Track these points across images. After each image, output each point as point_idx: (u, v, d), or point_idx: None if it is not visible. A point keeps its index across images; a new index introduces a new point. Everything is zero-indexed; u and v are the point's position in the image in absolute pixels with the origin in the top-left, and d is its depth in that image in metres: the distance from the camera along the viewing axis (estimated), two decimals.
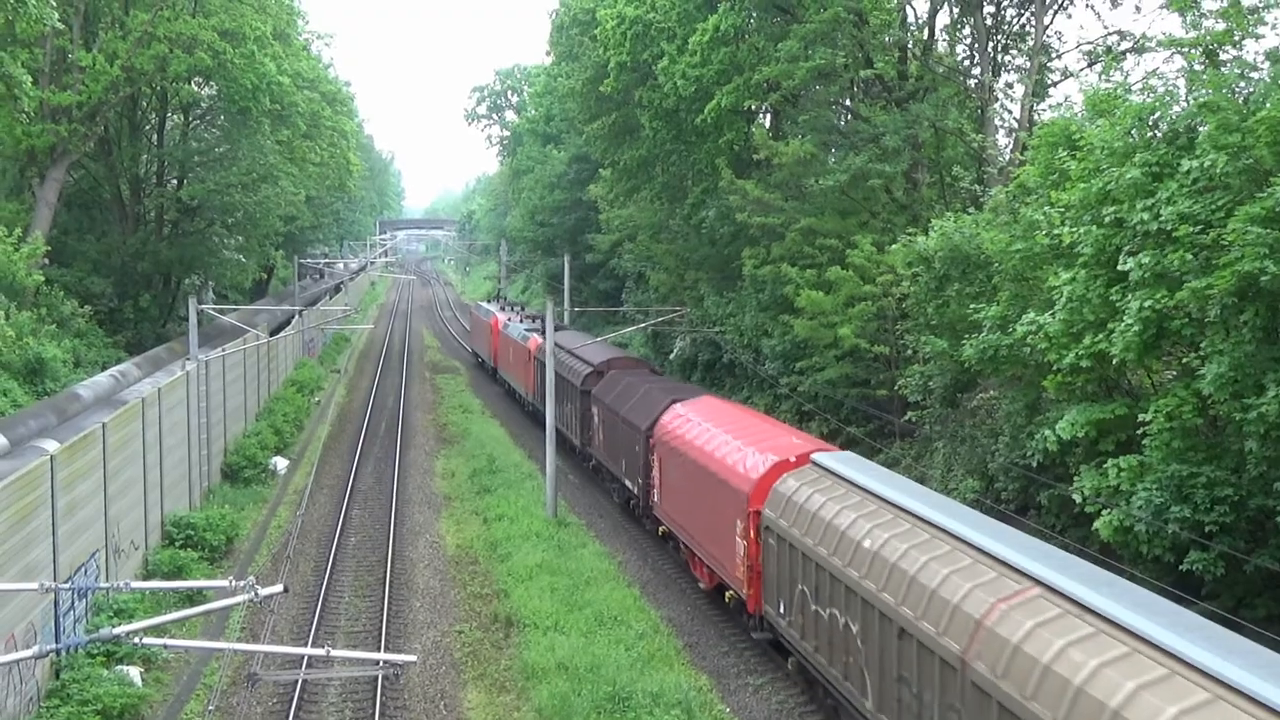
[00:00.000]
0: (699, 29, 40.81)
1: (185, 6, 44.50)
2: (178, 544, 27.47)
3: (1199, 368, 17.09)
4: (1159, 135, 18.86)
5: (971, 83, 36.09)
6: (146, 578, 24.94)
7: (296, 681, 20.12)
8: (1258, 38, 19.38)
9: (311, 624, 23.89)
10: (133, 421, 25.26)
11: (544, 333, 33.96)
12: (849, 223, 35.09)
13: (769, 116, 47.63)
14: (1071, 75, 36.26)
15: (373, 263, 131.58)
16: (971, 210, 28.03)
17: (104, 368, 37.63)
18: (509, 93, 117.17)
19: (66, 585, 16.69)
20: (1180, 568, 17.33)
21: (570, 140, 76.71)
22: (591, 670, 20.29)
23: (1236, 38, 19.37)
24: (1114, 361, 18.43)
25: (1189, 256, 16.66)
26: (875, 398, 32.88)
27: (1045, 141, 22.14)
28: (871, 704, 16.52)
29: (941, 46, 39.31)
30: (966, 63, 38.33)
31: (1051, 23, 34.64)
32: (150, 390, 28.42)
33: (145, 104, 50.62)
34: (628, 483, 31.64)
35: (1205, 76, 18.54)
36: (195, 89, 49.64)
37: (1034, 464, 21.49)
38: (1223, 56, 19.60)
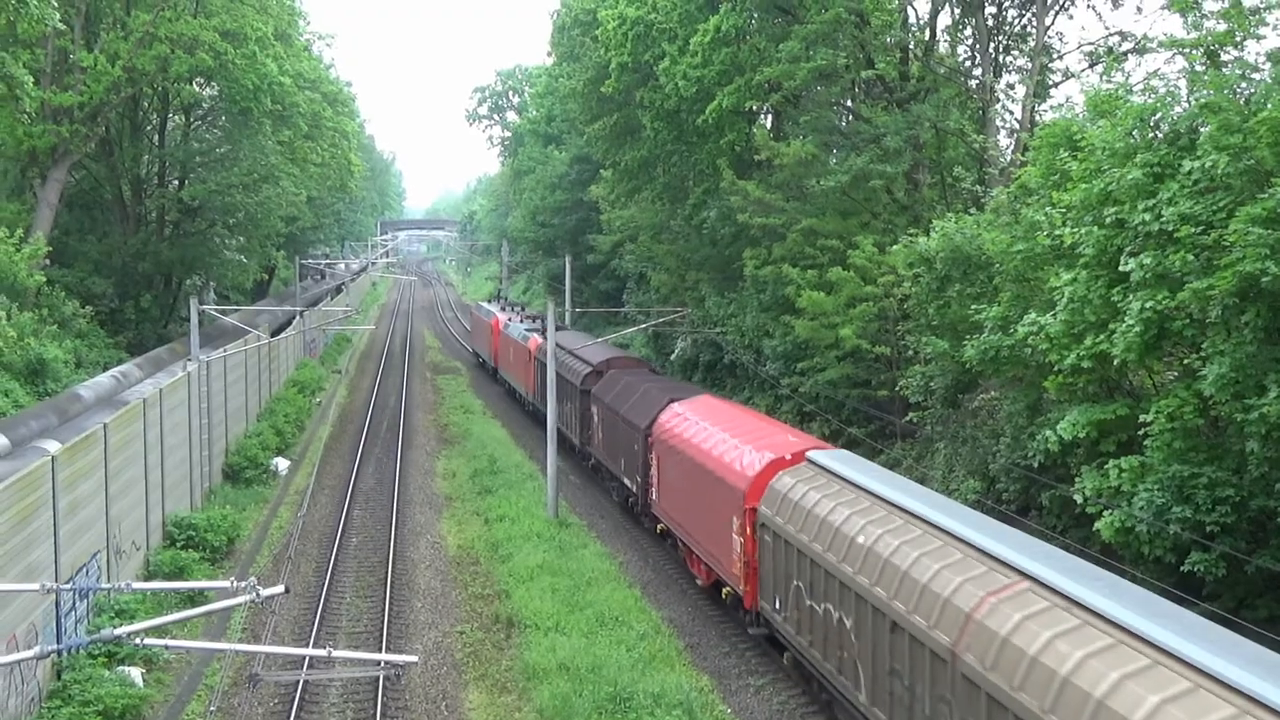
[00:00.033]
0: (700, 29, 40.80)
1: (187, 7, 44.55)
2: (179, 545, 27.49)
3: (1200, 368, 17.09)
4: (1160, 136, 18.85)
5: (973, 83, 36.07)
6: (148, 578, 24.95)
7: (298, 682, 20.13)
8: (1259, 38, 19.39)
9: (313, 625, 23.90)
10: (134, 422, 25.28)
11: (544, 333, 33.98)
12: (850, 223, 35.10)
13: (770, 117, 47.63)
14: (1073, 76, 36.30)
15: (374, 263, 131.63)
16: (973, 211, 28.03)
17: (105, 368, 37.68)
18: (510, 93, 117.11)
19: (68, 586, 16.74)
20: (1181, 569, 17.32)
21: (571, 141, 76.71)
22: (593, 671, 20.30)
23: (1238, 38, 19.36)
24: (1115, 362, 18.43)
25: (1190, 257, 16.67)
26: (876, 398, 32.89)
27: (1046, 142, 22.14)
28: (865, 697, 16.73)
29: (943, 47, 39.29)
30: (968, 63, 38.31)
31: (1053, 23, 34.67)
32: (151, 391, 28.43)
33: (147, 104, 50.67)
34: (626, 481, 31.74)
35: (1206, 77, 18.53)
36: (196, 89, 49.70)
37: (1035, 465, 21.49)
38: (1224, 57, 19.59)
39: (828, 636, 18.06)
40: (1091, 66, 34.08)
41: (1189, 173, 17.02)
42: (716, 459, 23.65)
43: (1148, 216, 17.46)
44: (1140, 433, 18.18)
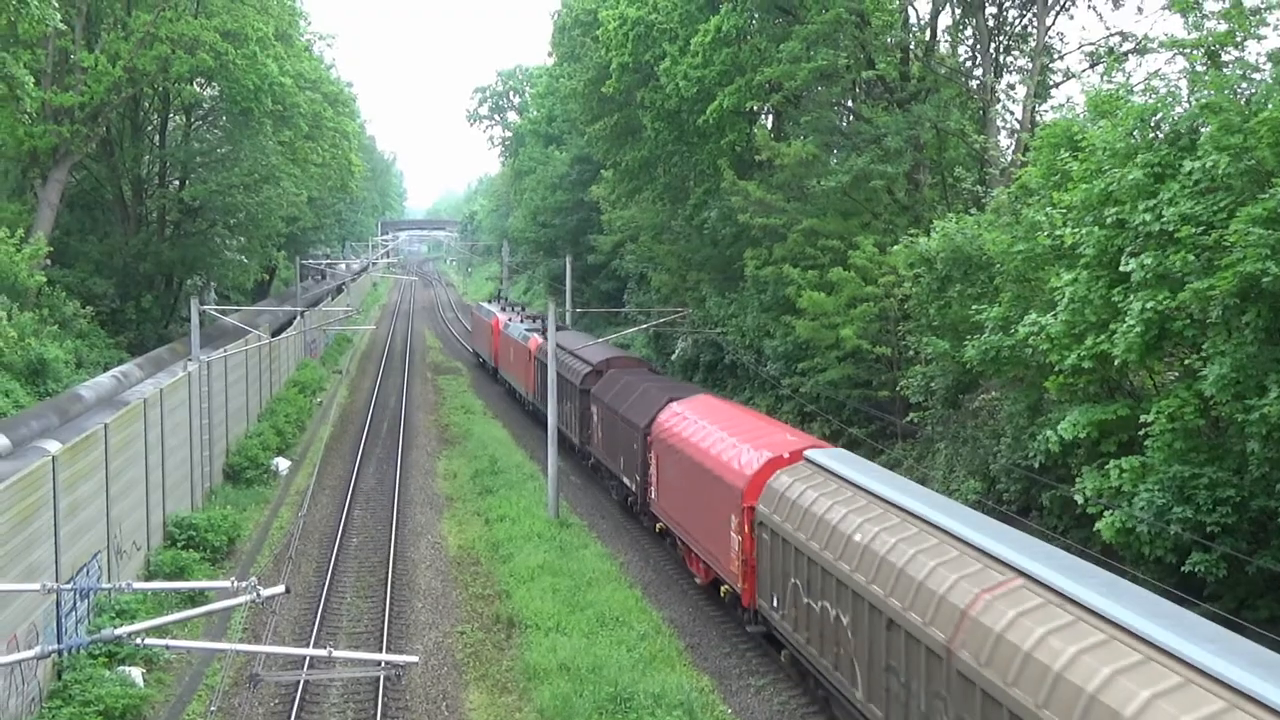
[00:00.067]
0: (701, 30, 40.80)
1: (187, 7, 44.54)
2: (180, 545, 27.49)
3: (1201, 369, 17.08)
4: (1161, 136, 18.85)
5: (973, 84, 36.06)
6: (148, 578, 24.95)
7: (298, 682, 20.13)
8: (1259, 39, 19.38)
9: (313, 625, 23.90)
10: (135, 422, 25.28)
11: (544, 333, 34.00)
12: (851, 224, 35.11)
13: (771, 117, 47.62)
14: (1073, 76, 36.29)
15: (374, 264, 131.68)
16: (973, 211, 28.03)
17: (106, 368, 37.69)
18: (511, 93, 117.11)
19: (69, 586, 16.74)
20: (1182, 569, 17.32)
21: (572, 141, 76.72)
22: (593, 671, 20.31)
23: (1238, 39, 19.35)
24: (1116, 362, 18.44)
25: (1191, 258, 16.67)
26: (877, 399, 32.89)
27: (1047, 142, 22.14)
28: (861, 694, 16.84)
29: (943, 47, 39.28)
30: (968, 64, 38.29)
31: (1053, 24, 34.64)
32: (152, 391, 28.43)
33: (147, 105, 50.70)
34: (626, 480, 31.81)
35: (1207, 78, 18.52)
36: (197, 90, 49.71)
37: (1036, 465, 21.49)
38: (1224, 58, 19.59)
39: (825, 634, 18.18)
40: (1092, 67, 34.10)
41: (1190, 173, 17.01)
42: (715, 458, 23.77)
43: (1148, 217, 17.46)
44: (1141, 433, 18.18)
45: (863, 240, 31.91)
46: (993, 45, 35.26)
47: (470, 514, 33.22)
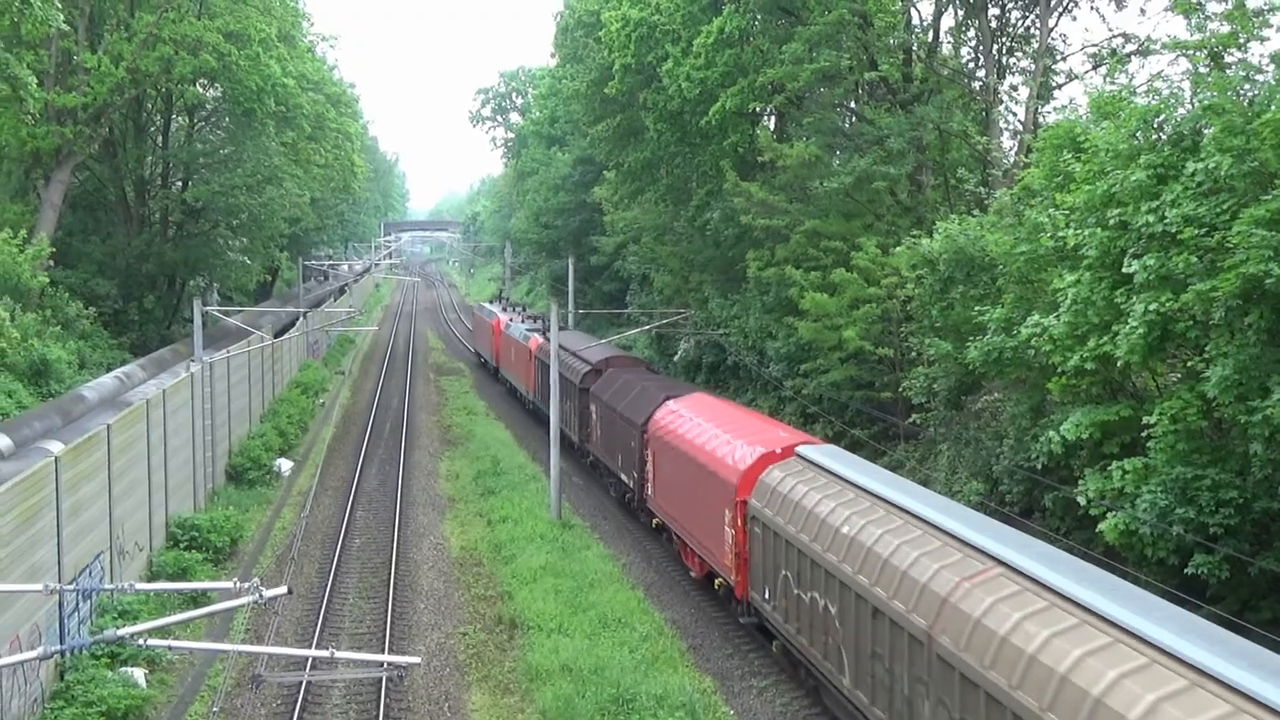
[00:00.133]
0: (703, 31, 40.81)
1: (190, 8, 44.57)
2: (182, 545, 27.51)
3: (1204, 370, 17.07)
4: (1164, 138, 18.84)
5: (976, 85, 36.06)
6: (151, 579, 24.96)
7: (301, 683, 20.14)
8: (1263, 40, 19.37)
9: (316, 626, 23.90)
10: (137, 423, 25.30)
11: (545, 333, 34.04)
12: (853, 225, 35.09)
13: (773, 119, 47.63)
14: (1076, 78, 36.27)
15: (377, 264, 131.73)
16: (976, 212, 28.01)
17: (109, 369, 37.71)
18: (514, 95, 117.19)
19: (71, 587, 16.74)
20: (1185, 571, 17.31)
21: (575, 142, 76.74)
22: (595, 672, 20.31)
23: (1241, 40, 19.33)
24: (1119, 364, 18.44)
25: (1194, 259, 16.67)
26: (880, 400, 32.89)
27: (1050, 144, 22.14)
28: (849, 681, 17.34)
29: (946, 49, 39.26)
30: (971, 65, 38.30)
31: (1056, 25, 34.64)
32: (155, 392, 28.44)
33: (150, 106, 50.72)
34: (623, 477, 32.08)
35: (1210, 79, 18.51)
36: (200, 91, 49.69)
37: (1038, 466, 21.50)
38: (1227, 59, 19.57)
39: (814, 624, 18.69)
40: (1095, 68, 34.08)
41: (1192, 174, 17.01)
42: (709, 454, 24.18)
43: (1151, 218, 17.45)
44: (1144, 434, 18.18)
45: (865, 241, 31.90)
46: (995, 46, 35.25)
47: (472, 515, 33.23)
